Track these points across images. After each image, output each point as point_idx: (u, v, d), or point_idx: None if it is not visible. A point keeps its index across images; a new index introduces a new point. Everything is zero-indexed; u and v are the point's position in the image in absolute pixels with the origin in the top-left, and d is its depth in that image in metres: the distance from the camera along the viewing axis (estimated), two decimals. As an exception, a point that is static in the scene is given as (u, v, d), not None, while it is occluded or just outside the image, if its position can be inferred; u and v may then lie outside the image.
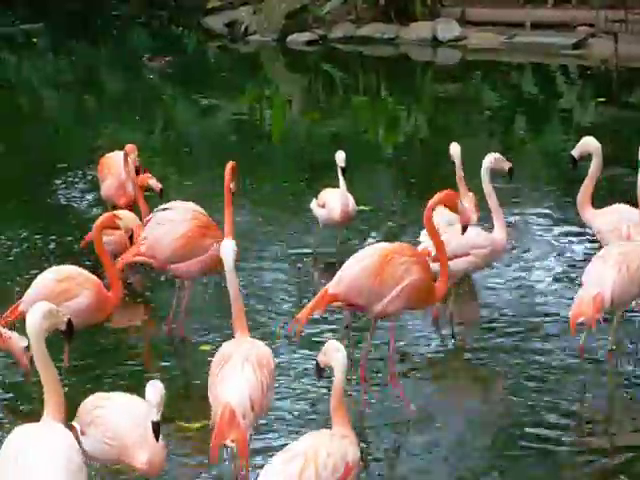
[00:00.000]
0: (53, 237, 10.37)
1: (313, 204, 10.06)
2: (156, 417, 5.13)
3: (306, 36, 22.71)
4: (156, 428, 5.15)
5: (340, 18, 23.35)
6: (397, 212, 11.23)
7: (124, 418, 5.39)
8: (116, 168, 10.05)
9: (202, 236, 7.81)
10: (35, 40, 23.98)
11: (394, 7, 22.68)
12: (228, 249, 6.13)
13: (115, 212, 7.97)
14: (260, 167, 8.40)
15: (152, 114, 16.79)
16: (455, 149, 9.35)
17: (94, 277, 7.34)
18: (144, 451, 5.30)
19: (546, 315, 8.46)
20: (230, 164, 8.31)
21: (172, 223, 7.81)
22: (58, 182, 12.41)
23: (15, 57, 22.32)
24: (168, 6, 26.95)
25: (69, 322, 5.46)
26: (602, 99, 16.90)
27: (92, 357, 7.81)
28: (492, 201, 8.11)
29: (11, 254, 9.99)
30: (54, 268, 7.41)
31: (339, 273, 6.75)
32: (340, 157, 9.76)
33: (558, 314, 8.39)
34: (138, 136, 14.85)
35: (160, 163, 13.77)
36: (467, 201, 8.87)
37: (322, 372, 5.45)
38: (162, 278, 9.16)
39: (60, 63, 21.94)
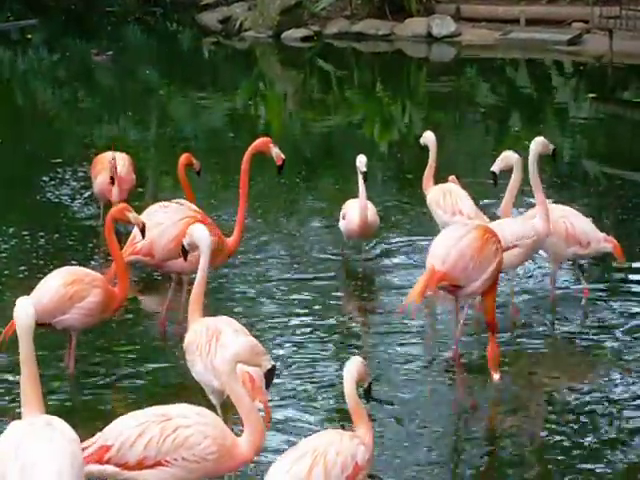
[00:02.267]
0: (42, 234, 10.28)
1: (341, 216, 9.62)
2: (271, 362, 5.12)
3: (301, 32, 22.70)
4: (271, 375, 5.13)
5: (335, 14, 23.37)
6: (392, 207, 11.22)
7: (214, 427, 5.08)
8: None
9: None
10: (30, 36, 23.94)
11: (389, 3, 22.70)
12: (204, 234, 6.50)
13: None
14: (254, 162, 8.35)
15: (147, 110, 16.76)
16: (430, 137, 9.25)
17: (98, 274, 7.21)
18: (240, 440, 5.09)
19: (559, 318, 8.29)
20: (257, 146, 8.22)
21: (167, 223, 7.71)
22: (51, 178, 12.35)
23: (9, 53, 22.27)
24: (163, 3, 26.95)
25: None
26: (596, 95, 16.90)
27: (85, 357, 7.75)
28: (537, 191, 7.85)
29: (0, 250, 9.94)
30: (57, 272, 7.11)
31: (439, 251, 6.61)
32: (362, 161, 9.15)
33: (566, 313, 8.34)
34: (133, 132, 14.84)
35: (155, 159, 13.76)
36: (450, 182, 8.96)
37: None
38: (159, 277, 9.15)
39: (54, 59, 21.90)
